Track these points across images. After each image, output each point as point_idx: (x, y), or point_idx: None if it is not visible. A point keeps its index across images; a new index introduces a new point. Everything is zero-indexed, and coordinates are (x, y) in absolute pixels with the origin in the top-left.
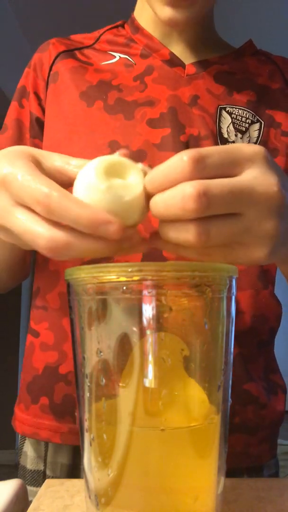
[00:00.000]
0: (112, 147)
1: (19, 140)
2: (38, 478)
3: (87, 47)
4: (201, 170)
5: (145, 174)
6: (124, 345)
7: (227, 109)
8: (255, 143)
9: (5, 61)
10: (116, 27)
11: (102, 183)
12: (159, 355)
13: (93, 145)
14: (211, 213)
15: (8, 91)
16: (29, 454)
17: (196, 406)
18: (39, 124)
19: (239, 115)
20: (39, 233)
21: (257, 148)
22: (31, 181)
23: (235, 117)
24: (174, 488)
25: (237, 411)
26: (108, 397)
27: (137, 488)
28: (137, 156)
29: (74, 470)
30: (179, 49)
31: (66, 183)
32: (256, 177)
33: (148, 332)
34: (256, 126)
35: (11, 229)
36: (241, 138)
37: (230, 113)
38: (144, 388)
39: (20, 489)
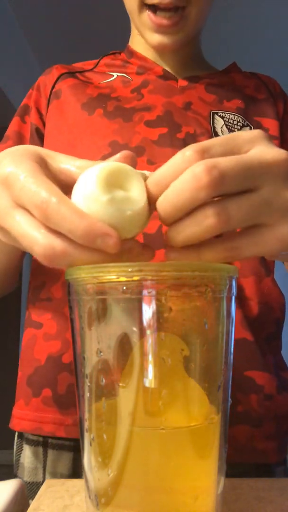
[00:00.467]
0: (112, 147)
1: None
2: (37, 491)
3: (87, 70)
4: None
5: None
6: (124, 345)
7: (219, 114)
8: None
9: (5, 61)
10: (114, 53)
11: (103, 195)
12: (159, 355)
13: (94, 146)
14: (226, 189)
15: (8, 91)
16: (26, 465)
17: (196, 406)
18: (39, 134)
19: (231, 119)
20: (36, 239)
21: (256, 131)
22: (32, 183)
23: (227, 120)
24: (174, 488)
25: (239, 399)
26: (108, 397)
27: (137, 488)
28: (136, 152)
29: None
30: (170, 68)
31: (71, 185)
32: (262, 150)
33: (148, 332)
34: (247, 129)
35: (8, 230)
36: None
37: (222, 117)
38: (144, 388)
39: (20, 489)
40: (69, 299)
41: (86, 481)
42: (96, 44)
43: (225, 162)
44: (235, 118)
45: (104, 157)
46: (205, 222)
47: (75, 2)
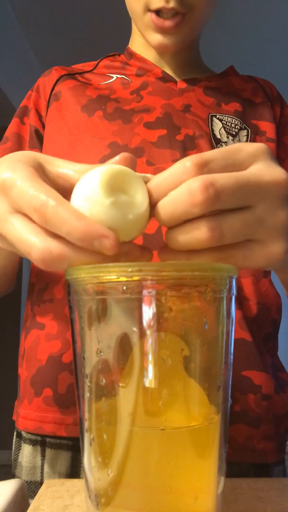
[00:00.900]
0: (112, 148)
1: (18, 151)
2: (35, 490)
3: (87, 72)
4: (205, 174)
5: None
6: (124, 345)
7: (217, 116)
8: None
9: (5, 61)
10: (113, 55)
11: (106, 198)
12: (159, 355)
13: (94, 147)
14: (221, 206)
15: (7, 91)
16: (24, 464)
17: (196, 406)
18: (38, 136)
19: (229, 122)
20: (33, 243)
21: (259, 145)
22: (30, 187)
23: (225, 123)
24: (174, 488)
25: (237, 398)
26: (108, 397)
27: (137, 488)
28: (135, 153)
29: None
30: (170, 70)
31: (69, 190)
32: (261, 168)
33: (148, 332)
34: (244, 132)
35: (5, 236)
36: (233, 140)
37: (220, 120)
38: (144, 388)
39: (20, 489)
40: (69, 299)
41: (86, 481)
42: (96, 44)
43: (222, 180)
44: (233, 121)
45: (104, 158)
46: (198, 236)
47: (75, 2)
